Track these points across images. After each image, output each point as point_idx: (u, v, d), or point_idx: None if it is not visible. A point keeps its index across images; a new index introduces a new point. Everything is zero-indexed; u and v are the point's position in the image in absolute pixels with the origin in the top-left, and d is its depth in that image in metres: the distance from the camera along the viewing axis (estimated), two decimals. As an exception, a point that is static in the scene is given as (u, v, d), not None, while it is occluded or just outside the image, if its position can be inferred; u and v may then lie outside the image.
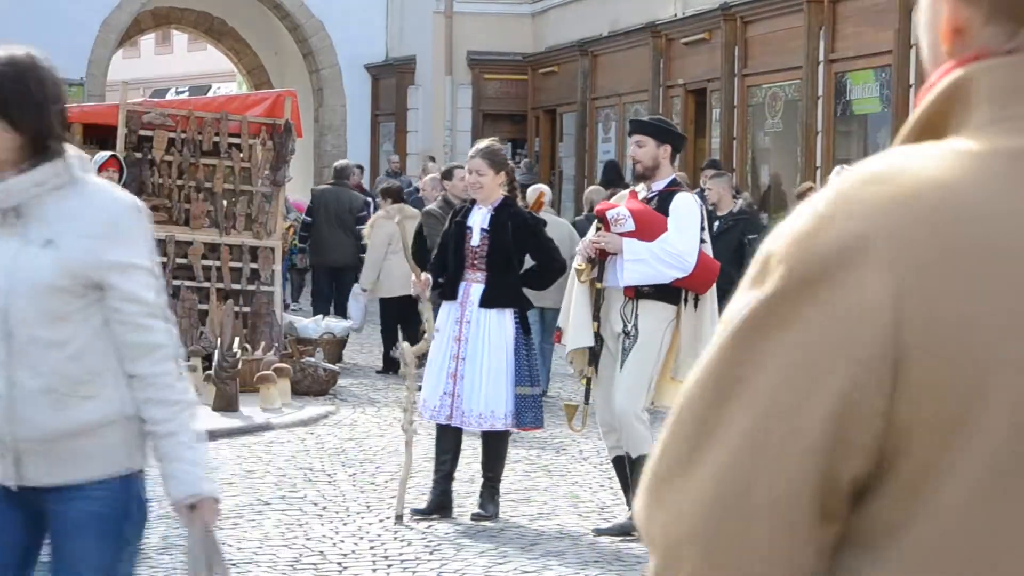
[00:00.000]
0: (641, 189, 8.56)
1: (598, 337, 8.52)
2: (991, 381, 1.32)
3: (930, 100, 1.44)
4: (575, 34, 27.22)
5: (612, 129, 25.89)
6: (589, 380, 8.81)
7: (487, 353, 8.76)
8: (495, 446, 8.94)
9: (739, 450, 1.37)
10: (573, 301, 8.62)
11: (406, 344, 9.66)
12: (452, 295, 8.86)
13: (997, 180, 1.36)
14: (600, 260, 8.44)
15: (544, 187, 14.29)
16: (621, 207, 8.47)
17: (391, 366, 15.38)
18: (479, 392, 8.75)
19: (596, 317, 8.50)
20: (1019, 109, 1.39)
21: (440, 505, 8.86)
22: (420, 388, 8.95)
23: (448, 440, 8.93)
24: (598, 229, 8.47)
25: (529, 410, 8.86)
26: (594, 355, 8.54)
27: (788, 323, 1.36)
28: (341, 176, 18.20)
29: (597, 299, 8.52)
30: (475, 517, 8.80)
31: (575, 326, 8.55)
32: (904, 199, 1.36)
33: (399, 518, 8.79)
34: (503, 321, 8.80)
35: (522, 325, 8.89)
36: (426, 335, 8.93)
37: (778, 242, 1.39)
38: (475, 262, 8.82)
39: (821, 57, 19.74)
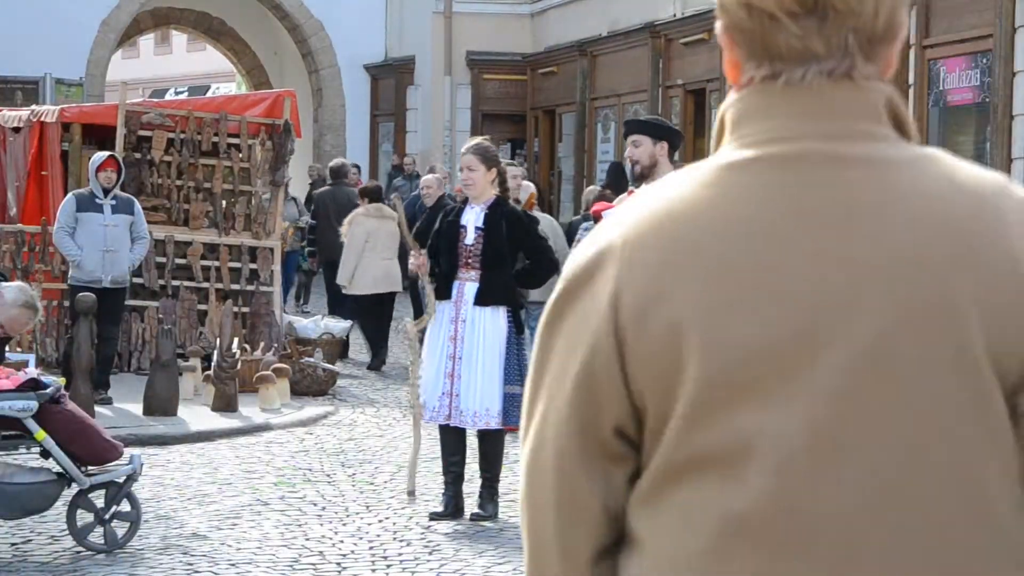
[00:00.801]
0: (639, 191, 8.54)
1: None
2: (684, 345, 1.79)
3: (716, 123, 1.91)
4: (574, 34, 27.22)
5: (611, 129, 25.89)
6: None
7: (483, 351, 8.76)
8: (492, 445, 8.94)
9: (541, 417, 1.90)
10: None
11: (408, 320, 9.67)
12: (446, 294, 8.86)
13: (710, 188, 1.83)
14: None
15: (531, 186, 14.31)
16: (617, 208, 8.46)
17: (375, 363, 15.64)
18: (475, 390, 8.75)
19: None
20: (746, 129, 1.85)
21: (457, 507, 8.87)
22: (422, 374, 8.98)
23: (452, 442, 8.93)
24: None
25: (518, 409, 8.85)
26: None
27: (562, 318, 1.88)
28: (338, 176, 18.27)
29: None
30: (474, 517, 8.80)
31: None
32: (641, 212, 1.85)
33: (411, 494, 8.88)
34: (497, 319, 8.81)
35: (515, 323, 8.90)
36: (427, 309, 8.96)
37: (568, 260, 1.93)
38: (469, 260, 8.83)
39: (820, 57, 19.73)
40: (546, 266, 9.05)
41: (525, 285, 9.15)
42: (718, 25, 1.91)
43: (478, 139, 9.24)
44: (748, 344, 1.79)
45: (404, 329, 9.64)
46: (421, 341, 9.15)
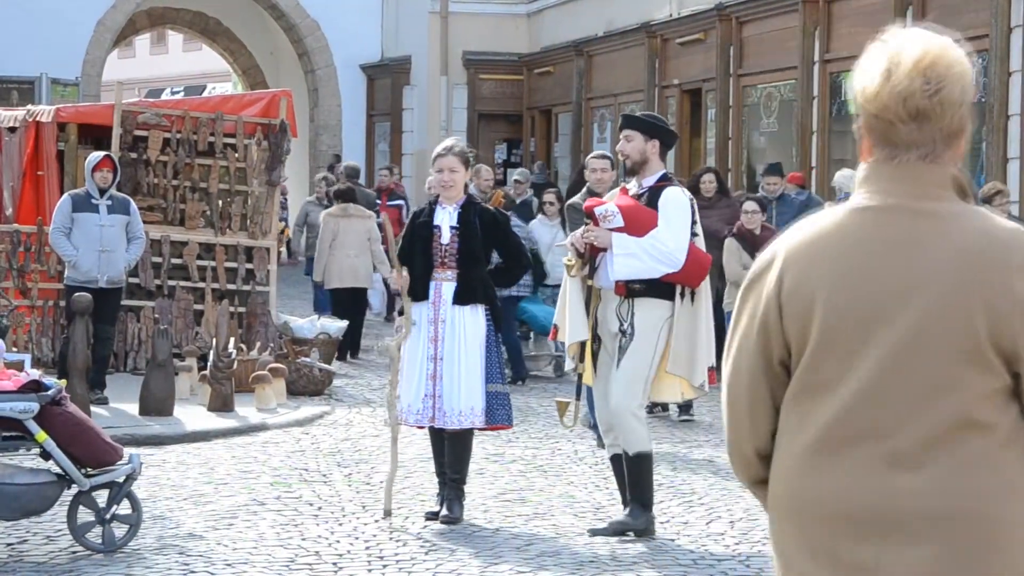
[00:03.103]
0: (632, 185, 8.57)
1: (596, 337, 8.53)
2: (813, 314, 3.04)
3: (855, 182, 3.16)
4: (570, 34, 27.22)
5: (608, 129, 25.88)
6: (580, 376, 8.81)
7: (464, 350, 8.75)
8: (461, 446, 8.90)
9: (734, 352, 3.18)
10: (567, 296, 8.64)
11: (388, 339, 9.64)
12: (423, 295, 8.84)
13: (842, 220, 3.08)
14: (591, 256, 8.45)
15: (499, 190, 14.75)
16: (610, 204, 8.48)
17: (343, 353, 16.17)
18: (458, 390, 8.73)
19: (590, 314, 8.51)
20: (868, 187, 3.09)
21: None
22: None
23: (442, 443, 8.92)
24: (586, 226, 8.49)
25: (501, 407, 8.86)
26: (592, 352, 8.56)
27: (749, 293, 3.16)
28: (353, 176, 18.84)
29: (590, 297, 8.53)
30: (444, 520, 8.74)
31: (570, 321, 8.58)
32: (797, 234, 3.12)
33: (387, 514, 8.80)
34: (477, 318, 8.81)
35: (494, 321, 8.90)
36: (403, 328, 8.92)
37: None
38: (445, 260, 8.82)
39: (816, 57, 19.75)
40: (520, 265, 9.10)
41: (499, 284, 9.14)
42: (857, 123, 3.12)
43: (454, 140, 9.25)
44: (844, 316, 3.03)
45: (384, 348, 9.60)
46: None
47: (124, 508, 8.02)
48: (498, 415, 8.85)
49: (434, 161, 8.96)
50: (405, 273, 8.82)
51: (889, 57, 3.10)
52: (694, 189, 13.80)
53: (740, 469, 3.27)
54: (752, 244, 12.70)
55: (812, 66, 19.76)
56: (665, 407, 12.86)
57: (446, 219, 8.86)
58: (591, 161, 12.07)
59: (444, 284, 8.81)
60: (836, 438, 3.03)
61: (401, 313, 9.07)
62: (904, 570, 2.99)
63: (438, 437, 8.92)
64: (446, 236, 8.83)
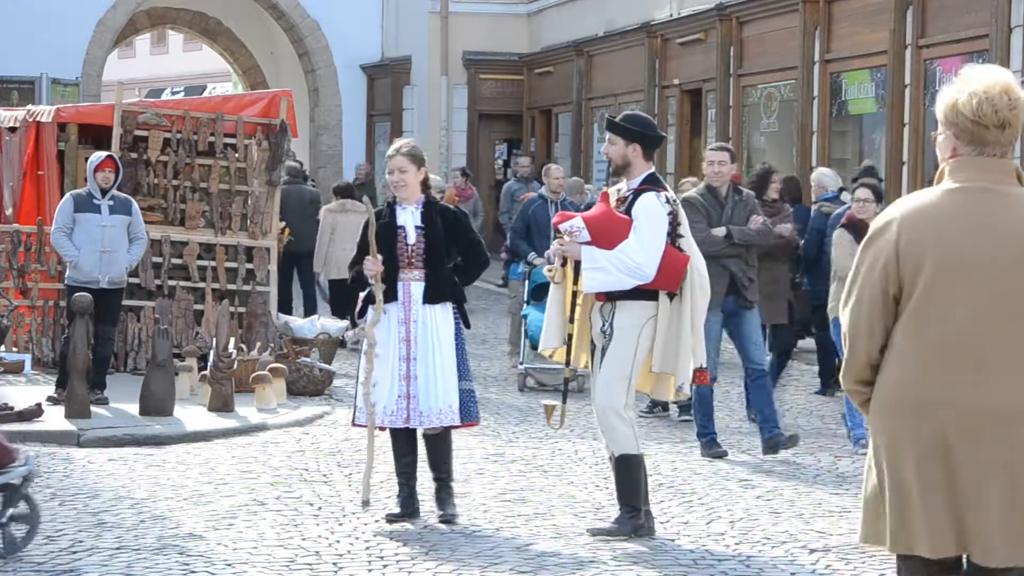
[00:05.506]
0: (621, 186, 8.64)
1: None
2: (923, 262, 4.46)
3: (939, 172, 4.62)
4: (571, 34, 27.23)
5: (608, 129, 25.87)
6: (567, 380, 8.83)
7: (438, 349, 8.74)
8: (443, 444, 8.89)
9: (857, 290, 4.57)
10: (548, 302, 8.73)
11: (366, 324, 9.58)
12: (392, 296, 8.83)
13: (941, 196, 4.53)
14: (576, 262, 8.51)
15: (449, 187, 15.06)
16: (576, 219, 8.51)
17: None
18: (435, 389, 8.71)
19: (572, 319, 8.56)
20: (958, 176, 4.53)
21: (413, 508, 8.83)
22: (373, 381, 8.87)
23: (404, 443, 8.90)
24: (559, 237, 8.57)
25: (473, 404, 8.88)
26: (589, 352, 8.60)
27: (869, 247, 4.57)
28: (297, 175, 19.32)
29: (574, 301, 8.57)
30: (442, 519, 8.72)
31: (546, 326, 8.66)
32: (907, 204, 4.59)
33: (365, 504, 8.77)
34: (447, 316, 8.82)
35: (462, 319, 8.91)
36: (375, 315, 8.85)
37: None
38: (412, 260, 8.81)
39: (816, 57, 19.75)
40: (479, 262, 9.10)
41: (460, 282, 9.15)
42: (947, 129, 4.49)
43: (404, 140, 9.20)
44: (949, 264, 4.38)
45: (361, 331, 9.53)
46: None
47: (20, 508, 7.81)
48: (472, 411, 8.89)
49: (387, 163, 9.01)
50: (380, 259, 8.78)
51: (980, 81, 4.44)
52: (759, 188, 13.15)
53: (851, 371, 4.56)
54: (863, 235, 11.44)
55: (812, 66, 19.76)
56: (665, 407, 12.89)
57: (410, 219, 8.86)
58: (709, 153, 11.57)
59: (412, 284, 8.81)
60: (943, 354, 4.36)
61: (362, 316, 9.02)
62: (989, 457, 4.32)
63: (401, 437, 8.89)
64: (412, 236, 8.82)
